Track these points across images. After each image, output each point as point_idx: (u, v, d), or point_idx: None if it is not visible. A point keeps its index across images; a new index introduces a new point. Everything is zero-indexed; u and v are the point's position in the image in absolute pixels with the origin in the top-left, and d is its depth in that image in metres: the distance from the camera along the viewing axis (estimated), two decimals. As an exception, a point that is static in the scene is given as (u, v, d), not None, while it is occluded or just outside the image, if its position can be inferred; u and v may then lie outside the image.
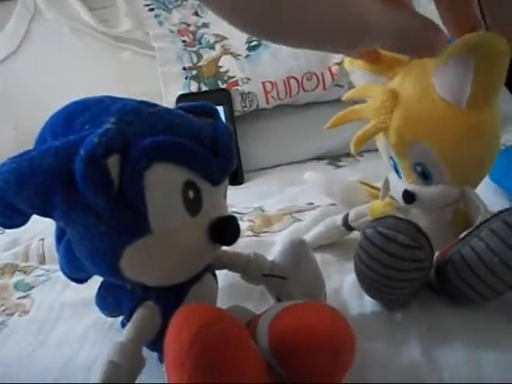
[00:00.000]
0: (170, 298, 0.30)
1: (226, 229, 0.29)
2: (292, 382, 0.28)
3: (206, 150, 0.28)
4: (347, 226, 0.47)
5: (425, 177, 0.38)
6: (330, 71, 0.81)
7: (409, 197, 0.39)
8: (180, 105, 0.32)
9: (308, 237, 0.48)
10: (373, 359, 0.32)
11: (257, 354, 0.26)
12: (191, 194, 0.27)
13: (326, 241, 0.48)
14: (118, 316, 0.36)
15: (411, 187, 0.39)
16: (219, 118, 0.33)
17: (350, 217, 0.46)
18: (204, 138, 0.29)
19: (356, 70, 0.43)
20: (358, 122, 0.41)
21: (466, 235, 0.36)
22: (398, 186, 0.41)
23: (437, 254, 0.37)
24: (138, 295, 0.30)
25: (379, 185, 0.48)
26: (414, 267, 0.33)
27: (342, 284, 0.41)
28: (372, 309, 0.37)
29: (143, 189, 0.25)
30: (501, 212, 0.34)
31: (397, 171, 0.41)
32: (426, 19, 0.30)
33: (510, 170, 0.49)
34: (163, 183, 0.26)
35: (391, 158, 0.41)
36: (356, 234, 0.47)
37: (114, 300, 0.33)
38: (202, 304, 0.25)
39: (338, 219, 0.47)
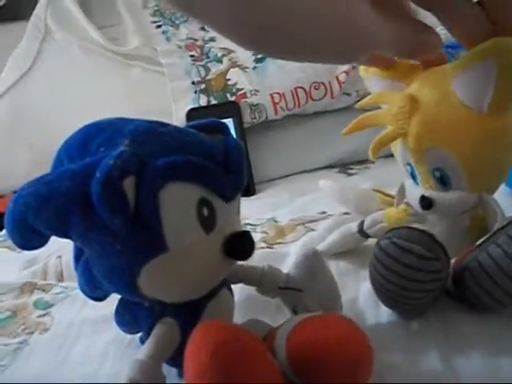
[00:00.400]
0: (187, 313, 0.31)
1: (240, 244, 0.30)
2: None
3: (218, 167, 0.29)
4: (362, 233, 0.47)
5: (443, 182, 0.38)
6: (338, 80, 0.81)
7: (426, 202, 0.39)
8: (190, 123, 0.33)
9: (323, 245, 0.48)
10: (391, 369, 0.32)
11: (275, 367, 0.26)
12: (205, 211, 0.28)
13: (340, 248, 0.48)
14: (136, 333, 0.36)
15: (429, 193, 0.39)
16: (230, 133, 0.33)
17: (366, 224, 0.46)
18: (216, 155, 0.29)
19: (371, 77, 0.43)
20: (372, 128, 0.42)
21: (483, 242, 0.36)
22: (415, 192, 0.41)
23: (453, 260, 0.37)
24: (155, 312, 0.31)
25: (392, 192, 0.48)
26: (430, 278, 0.33)
27: (358, 294, 0.41)
28: (389, 318, 0.37)
29: (158, 208, 0.26)
30: None
31: (413, 177, 0.41)
32: (419, 23, 0.30)
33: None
34: (178, 202, 0.27)
35: (408, 163, 0.41)
36: (371, 241, 0.47)
37: (132, 317, 0.33)
38: (219, 321, 0.25)
39: (353, 226, 0.47)
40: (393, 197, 0.50)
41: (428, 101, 0.36)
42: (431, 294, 0.34)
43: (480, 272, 0.34)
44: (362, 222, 0.47)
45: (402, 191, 0.44)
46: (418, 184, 0.41)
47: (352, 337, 0.27)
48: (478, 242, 0.36)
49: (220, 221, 0.29)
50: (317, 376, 0.28)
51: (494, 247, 0.34)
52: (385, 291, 0.35)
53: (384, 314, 0.37)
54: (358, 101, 0.84)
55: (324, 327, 0.28)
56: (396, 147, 0.42)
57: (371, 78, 0.43)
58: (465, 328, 0.35)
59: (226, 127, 0.34)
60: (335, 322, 0.29)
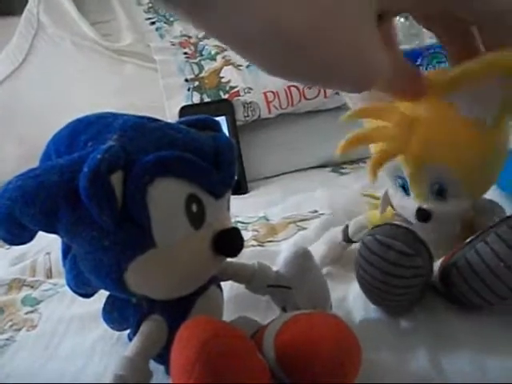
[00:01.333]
0: (175, 310, 0.30)
1: (229, 241, 0.29)
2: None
3: (207, 164, 0.28)
4: (347, 239, 0.46)
5: (440, 194, 0.38)
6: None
7: (424, 215, 0.38)
8: (181, 119, 0.33)
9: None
10: (380, 368, 0.32)
11: (262, 364, 0.26)
12: (194, 207, 0.28)
13: (331, 261, 0.46)
14: (124, 330, 0.36)
15: (426, 205, 0.38)
16: (221, 130, 0.33)
17: (350, 230, 0.46)
18: (206, 152, 0.29)
19: None
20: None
21: (473, 239, 0.36)
22: (408, 203, 0.39)
23: (442, 259, 0.37)
24: (143, 309, 0.30)
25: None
26: (411, 274, 0.33)
27: (347, 293, 0.41)
28: (377, 317, 0.37)
29: (147, 204, 0.26)
30: (508, 217, 0.34)
31: (405, 189, 0.40)
32: (408, 65, 0.30)
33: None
34: (166, 198, 0.26)
35: (398, 177, 0.39)
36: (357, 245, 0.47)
37: (120, 314, 0.33)
38: (207, 317, 0.25)
39: (338, 235, 0.46)
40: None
41: (428, 117, 0.36)
42: (414, 289, 0.34)
43: (467, 270, 0.34)
44: (346, 228, 0.46)
45: (386, 199, 0.42)
46: (408, 195, 0.39)
47: (340, 336, 0.27)
48: (468, 240, 0.36)
49: (209, 217, 0.29)
50: (305, 374, 0.28)
51: (483, 245, 0.34)
52: (369, 286, 0.35)
53: (373, 312, 0.37)
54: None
55: (312, 326, 0.28)
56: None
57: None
58: (453, 326, 0.35)
59: (217, 124, 0.34)
60: (323, 320, 0.29)
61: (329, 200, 0.63)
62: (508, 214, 0.40)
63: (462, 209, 0.38)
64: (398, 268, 0.33)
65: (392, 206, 0.43)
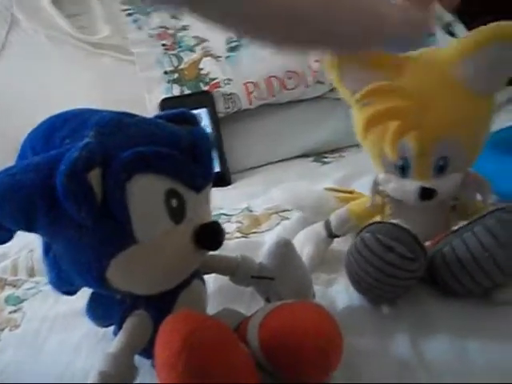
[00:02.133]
0: (159, 305, 0.30)
1: (210, 234, 0.29)
2: (284, 381, 0.29)
3: (185, 158, 0.28)
4: (330, 234, 0.45)
5: (441, 170, 0.38)
6: (311, 69, 0.81)
7: (428, 194, 0.38)
8: (159, 114, 0.33)
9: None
10: (362, 353, 0.32)
11: (245, 354, 0.26)
12: (174, 202, 0.27)
13: (320, 263, 0.45)
14: (109, 326, 0.36)
15: (429, 183, 0.38)
16: (198, 124, 0.33)
17: (333, 225, 0.45)
18: (183, 146, 0.29)
19: (348, 71, 0.40)
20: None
21: (460, 228, 0.36)
22: (407, 184, 0.39)
23: (428, 243, 0.37)
24: (127, 304, 0.30)
25: (350, 187, 0.50)
26: (406, 276, 0.34)
27: (330, 282, 0.41)
28: (360, 304, 0.38)
29: (126, 200, 0.26)
30: (497, 209, 0.35)
31: (403, 171, 0.39)
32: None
33: (499, 173, 0.45)
34: (145, 194, 0.26)
35: (399, 158, 0.39)
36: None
37: (104, 311, 0.33)
38: (188, 311, 0.25)
39: (322, 231, 0.46)
40: (348, 192, 0.50)
41: (438, 93, 0.37)
42: (405, 289, 0.35)
43: (452, 257, 0.35)
44: (329, 224, 0.45)
45: (375, 188, 0.42)
46: (405, 177, 0.39)
47: (321, 324, 0.28)
48: (455, 228, 0.37)
49: (190, 211, 0.29)
50: (288, 362, 0.28)
51: (470, 235, 0.34)
52: (359, 279, 0.35)
53: (356, 300, 0.38)
54: (332, 90, 0.85)
55: (294, 315, 0.29)
56: (376, 149, 0.40)
57: (347, 73, 0.40)
58: (434, 312, 0.36)
59: (194, 117, 0.33)
60: (305, 309, 0.29)
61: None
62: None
63: (457, 183, 0.39)
64: (395, 270, 0.33)
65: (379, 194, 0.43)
